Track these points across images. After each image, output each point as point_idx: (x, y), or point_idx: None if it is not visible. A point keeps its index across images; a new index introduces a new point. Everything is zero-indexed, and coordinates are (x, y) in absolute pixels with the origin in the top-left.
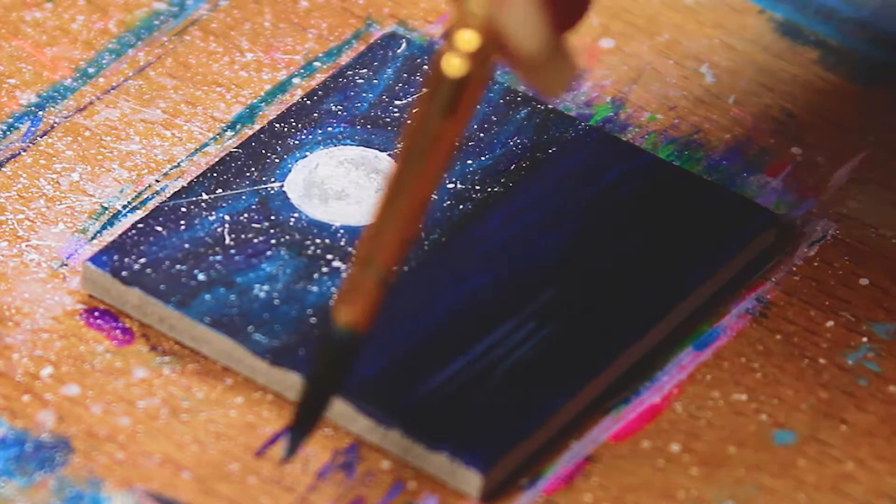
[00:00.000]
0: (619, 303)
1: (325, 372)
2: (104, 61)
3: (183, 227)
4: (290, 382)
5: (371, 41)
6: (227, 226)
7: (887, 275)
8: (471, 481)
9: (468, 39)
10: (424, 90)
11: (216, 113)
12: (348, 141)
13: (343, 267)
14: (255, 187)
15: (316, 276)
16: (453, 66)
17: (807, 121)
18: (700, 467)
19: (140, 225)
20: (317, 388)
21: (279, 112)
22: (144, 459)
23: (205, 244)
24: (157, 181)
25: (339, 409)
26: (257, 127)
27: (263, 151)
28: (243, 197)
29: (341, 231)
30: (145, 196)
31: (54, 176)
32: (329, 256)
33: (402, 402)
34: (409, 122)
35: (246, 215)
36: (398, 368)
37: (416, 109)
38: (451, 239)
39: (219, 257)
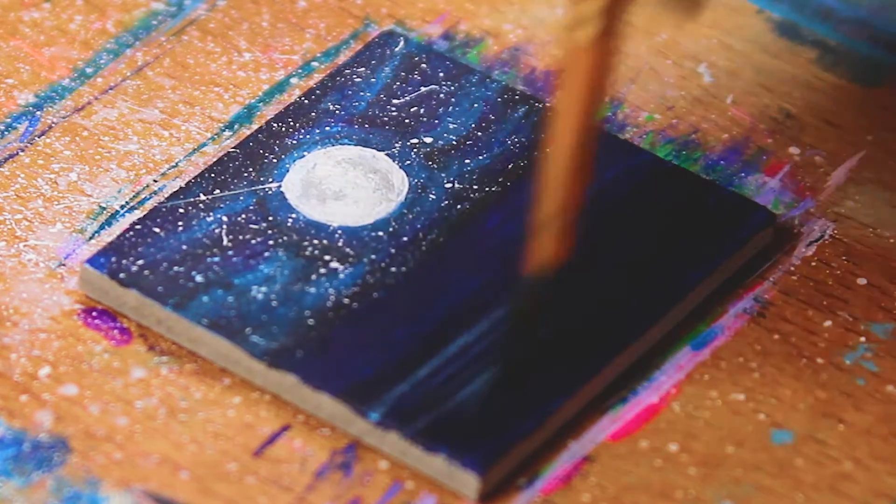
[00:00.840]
0: (617, 302)
1: (531, 314)
2: (102, 61)
3: (181, 229)
4: (288, 384)
5: (368, 40)
6: (224, 227)
7: (885, 275)
8: (468, 483)
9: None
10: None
11: (214, 113)
12: (346, 140)
13: (341, 268)
14: (253, 188)
15: (314, 277)
16: (580, 38)
17: (805, 121)
18: (698, 467)
19: (138, 226)
20: (523, 328)
21: (277, 112)
22: (142, 459)
23: (202, 245)
24: (155, 181)
25: (337, 411)
26: (255, 127)
27: (261, 151)
28: (241, 197)
29: (339, 231)
30: (143, 196)
31: (52, 176)
32: (327, 257)
33: (401, 404)
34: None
35: (244, 216)
36: (396, 369)
37: (562, 100)
38: (449, 238)
39: (216, 259)
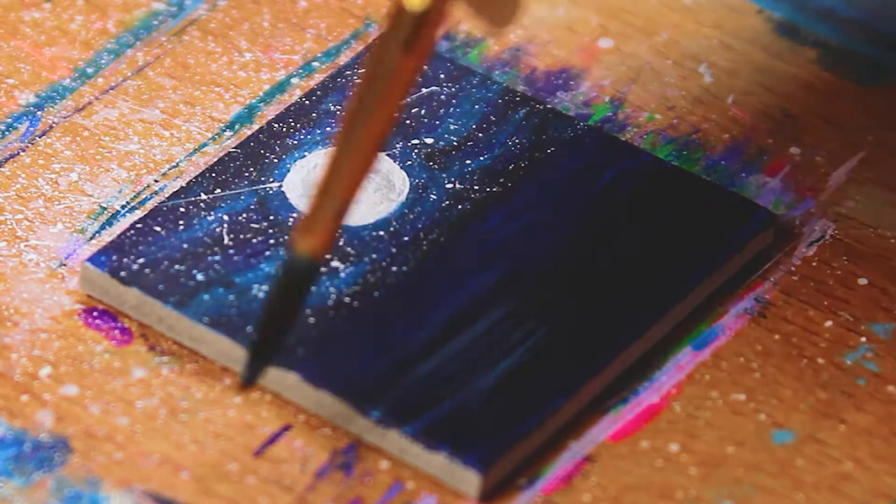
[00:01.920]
0: (618, 302)
1: (283, 299)
2: (103, 61)
3: (182, 228)
4: (289, 382)
5: (370, 41)
6: (225, 226)
7: (886, 275)
8: (469, 481)
9: None
10: (385, 26)
11: (215, 113)
12: None
13: (342, 267)
14: (254, 187)
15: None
16: (415, 1)
17: (805, 121)
18: (699, 467)
19: (139, 225)
20: (275, 315)
21: (278, 112)
22: (143, 459)
23: (203, 244)
24: (156, 181)
25: (338, 409)
26: (256, 127)
27: (262, 151)
28: (242, 197)
29: (340, 231)
30: (144, 196)
31: (53, 176)
32: (327, 256)
33: (401, 403)
34: (367, 57)
35: (244, 215)
36: (397, 368)
37: (376, 44)
38: (449, 239)
39: (217, 257)
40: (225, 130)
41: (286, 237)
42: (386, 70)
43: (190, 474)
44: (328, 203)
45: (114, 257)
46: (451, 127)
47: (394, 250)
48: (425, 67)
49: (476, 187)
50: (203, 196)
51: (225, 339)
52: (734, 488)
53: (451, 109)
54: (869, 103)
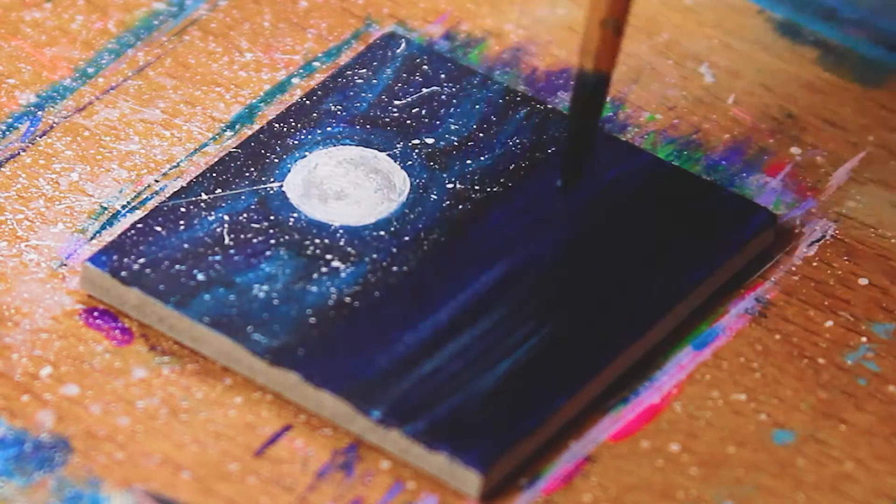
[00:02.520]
0: (619, 302)
1: (583, 111)
2: (103, 61)
3: (182, 227)
4: (290, 382)
5: (370, 41)
6: (226, 226)
7: (886, 275)
8: (470, 481)
9: None
10: None
11: (215, 113)
12: (347, 141)
13: (343, 267)
14: (255, 187)
15: (315, 275)
16: None
17: (806, 121)
18: (699, 467)
19: (139, 225)
20: (579, 127)
21: (278, 112)
22: (144, 459)
23: (204, 244)
24: (157, 181)
25: (339, 409)
26: (257, 127)
27: (263, 151)
28: (242, 197)
29: (340, 231)
30: (144, 196)
31: (53, 176)
32: (328, 256)
33: (402, 402)
34: None
35: (245, 215)
36: (398, 368)
37: None
38: (450, 239)
39: (218, 257)
40: (225, 130)
41: (286, 237)
42: None
43: (191, 474)
44: (603, 24)
45: (114, 257)
46: (452, 127)
47: (394, 250)
48: (426, 67)
49: (476, 187)
50: (204, 196)
51: (225, 338)
52: (735, 488)
53: (452, 109)
54: (869, 103)
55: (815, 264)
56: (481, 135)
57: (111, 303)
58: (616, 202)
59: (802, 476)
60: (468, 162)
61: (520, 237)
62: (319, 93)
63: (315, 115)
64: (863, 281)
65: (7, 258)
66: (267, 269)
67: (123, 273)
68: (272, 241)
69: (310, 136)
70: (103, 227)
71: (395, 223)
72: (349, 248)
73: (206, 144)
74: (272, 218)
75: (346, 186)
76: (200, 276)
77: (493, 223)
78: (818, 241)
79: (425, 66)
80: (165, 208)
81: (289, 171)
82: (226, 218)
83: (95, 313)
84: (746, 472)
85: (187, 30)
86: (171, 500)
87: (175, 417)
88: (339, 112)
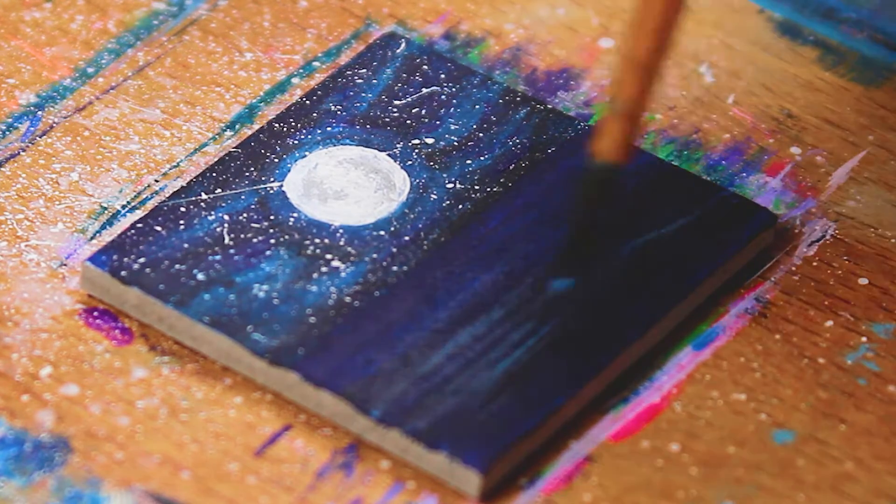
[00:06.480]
0: (619, 302)
1: (591, 198)
2: (103, 61)
3: (182, 227)
4: (290, 382)
5: (370, 41)
6: (226, 225)
7: (886, 275)
8: (470, 481)
9: None
10: None
11: (215, 113)
12: (347, 141)
13: (342, 266)
14: (255, 187)
15: (315, 275)
16: None
17: (806, 120)
18: (699, 467)
19: (139, 225)
20: (585, 214)
21: (278, 112)
22: (143, 459)
23: (204, 244)
24: (157, 181)
25: (339, 409)
26: (256, 127)
27: (263, 151)
28: (242, 197)
29: (340, 231)
30: (144, 196)
31: (53, 176)
32: (328, 256)
33: (402, 402)
34: None
35: (245, 215)
36: (397, 367)
37: None
38: (450, 239)
39: (218, 257)
40: (225, 130)
41: (286, 237)
42: None
43: (190, 474)
44: (616, 109)
45: (114, 257)
46: (452, 127)
47: (394, 250)
48: (426, 67)
49: (476, 187)
50: (204, 196)
51: (225, 338)
52: (735, 488)
53: (452, 109)
54: (870, 103)
55: (815, 264)
56: (481, 135)
57: (111, 302)
58: (616, 203)
59: (802, 476)
60: (468, 162)
61: (519, 237)
62: (319, 93)
63: (315, 114)
64: (863, 281)
65: (7, 258)
66: (267, 268)
67: (123, 273)
68: (272, 241)
69: (310, 136)
70: (103, 227)
71: (395, 223)
72: (349, 248)
73: (206, 144)
74: (272, 218)
75: (346, 186)
76: (200, 276)
77: (493, 223)
78: (818, 240)
79: (425, 66)
80: (165, 208)
81: (289, 170)
82: (226, 218)
83: (95, 313)
84: (746, 472)
85: (187, 30)
86: (171, 500)
87: (175, 417)
88: (339, 112)
